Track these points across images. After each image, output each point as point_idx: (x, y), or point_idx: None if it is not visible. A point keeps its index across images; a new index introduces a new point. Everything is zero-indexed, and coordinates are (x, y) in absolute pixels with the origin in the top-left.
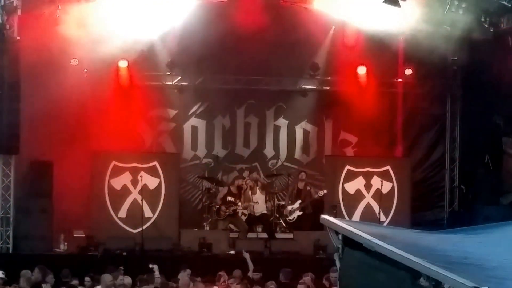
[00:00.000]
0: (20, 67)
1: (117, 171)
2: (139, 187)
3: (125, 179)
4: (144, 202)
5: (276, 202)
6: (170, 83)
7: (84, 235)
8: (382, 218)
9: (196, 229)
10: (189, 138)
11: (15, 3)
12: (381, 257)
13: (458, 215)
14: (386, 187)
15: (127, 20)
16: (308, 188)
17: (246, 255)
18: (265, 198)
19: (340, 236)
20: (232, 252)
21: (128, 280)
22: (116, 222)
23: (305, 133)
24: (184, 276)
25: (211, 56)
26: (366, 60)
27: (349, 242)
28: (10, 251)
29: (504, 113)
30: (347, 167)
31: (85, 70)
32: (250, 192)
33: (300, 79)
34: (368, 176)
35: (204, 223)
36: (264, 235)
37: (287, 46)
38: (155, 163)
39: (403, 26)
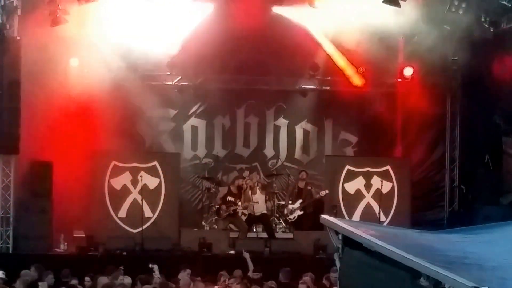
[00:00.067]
0: (20, 66)
1: (117, 171)
2: (139, 187)
3: (125, 179)
4: (144, 202)
5: (276, 202)
6: (170, 83)
7: (84, 235)
8: (382, 218)
9: (196, 229)
10: (189, 138)
11: (15, 3)
12: (381, 257)
13: (458, 215)
14: (386, 187)
15: (127, 20)
16: (309, 187)
17: (246, 255)
18: (265, 198)
19: (340, 236)
20: (232, 252)
21: (128, 280)
22: (116, 222)
23: (305, 133)
24: (184, 276)
25: (211, 56)
26: (366, 60)
27: (349, 242)
28: (10, 251)
29: (504, 113)
30: (347, 167)
31: (86, 71)
32: (250, 192)
33: (300, 79)
34: (368, 176)
35: (204, 223)
36: (264, 235)
37: (287, 46)
38: (155, 163)
39: (403, 26)
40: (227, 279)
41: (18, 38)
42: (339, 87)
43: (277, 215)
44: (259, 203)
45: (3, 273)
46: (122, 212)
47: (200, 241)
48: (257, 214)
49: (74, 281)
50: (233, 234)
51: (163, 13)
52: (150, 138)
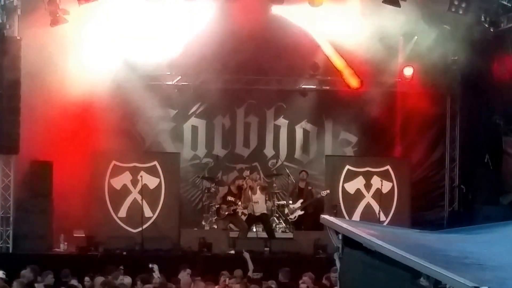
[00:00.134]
0: (20, 66)
1: (117, 171)
2: (139, 186)
3: (125, 178)
4: (144, 202)
5: (276, 201)
6: (170, 83)
7: (84, 235)
8: (382, 218)
9: (196, 229)
10: (189, 138)
11: (15, 3)
12: (381, 257)
13: (458, 214)
14: (386, 186)
15: (127, 20)
16: (310, 187)
17: (246, 255)
18: (265, 197)
19: (340, 236)
20: (232, 252)
21: (128, 280)
22: (116, 222)
23: (305, 133)
24: (184, 275)
25: (211, 56)
26: (366, 60)
27: (349, 241)
28: (10, 251)
29: (504, 113)
30: (347, 166)
31: (86, 70)
32: (250, 192)
33: (300, 79)
34: (368, 176)
35: (204, 223)
36: (264, 235)
37: (287, 46)
38: (155, 163)
39: (403, 26)
40: (227, 279)
41: (18, 38)
42: (339, 87)
43: (277, 215)
44: (259, 203)
45: (3, 273)
46: (122, 212)
47: (200, 241)
48: (257, 214)
49: (74, 281)
50: (233, 234)
51: (163, 13)
52: (150, 138)
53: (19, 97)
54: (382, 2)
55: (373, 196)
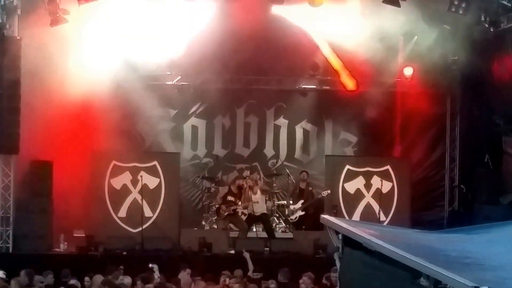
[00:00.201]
0: (20, 66)
1: (117, 171)
2: (139, 186)
3: (125, 178)
4: (144, 201)
5: (276, 201)
6: (170, 83)
7: (84, 235)
8: (382, 217)
9: (196, 229)
10: (189, 138)
11: (15, 3)
12: (381, 257)
13: (458, 214)
14: (386, 186)
15: (127, 20)
16: (310, 188)
17: (246, 255)
18: (265, 197)
19: (340, 236)
20: (232, 251)
21: (128, 280)
22: (116, 221)
23: (305, 132)
24: (184, 275)
25: (211, 56)
26: (366, 60)
27: (349, 241)
28: (10, 251)
29: (504, 113)
30: (347, 166)
31: (86, 70)
32: (250, 192)
33: (300, 79)
34: (368, 176)
35: (204, 223)
36: (264, 235)
37: (287, 45)
38: (155, 162)
39: (403, 26)
40: (227, 279)
41: (18, 38)
42: (339, 87)
43: (277, 215)
44: (259, 203)
45: (3, 273)
46: (122, 212)
47: (200, 241)
48: (257, 214)
49: (74, 281)
50: (233, 234)
51: (163, 13)
52: (150, 138)
53: (19, 97)
54: (382, 2)
55: (373, 196)
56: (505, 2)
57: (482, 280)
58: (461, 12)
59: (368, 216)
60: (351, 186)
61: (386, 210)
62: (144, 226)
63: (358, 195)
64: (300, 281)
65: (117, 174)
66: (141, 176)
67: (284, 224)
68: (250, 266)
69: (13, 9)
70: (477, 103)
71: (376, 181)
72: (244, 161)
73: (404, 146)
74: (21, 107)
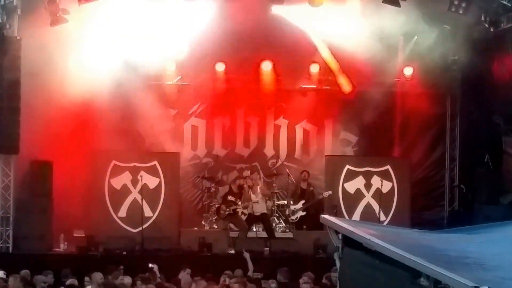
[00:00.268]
0: (20, 66)
1: (117, 171)
2: (139, 186)
3: (125, 178)
4: (144, 201)
5: (276, 201)
6: (170, 83)
7: (84, 235)
8: (382, 217)
9: (196, 229)
10: (189, 138)
11: (15, 3)
12: (381, 257)
13: (458, 214)
14: (386, 186)
15: (127, 20)
16: (311, 188)
17: (246, 255)
18: (265, 198)
19: (340, 236)
20: (232, 251)
21: (128, 279)
22: (116, 221)
23: (305, 132)
24: (184, 275)
25: (211, 56)
26: (366, 60)
27: (349, 241)
28: (10, 251)
29: (504, 112)
30: (347, 166)
31: (86, 70)
32: (250, 192)
33: (300, 79)
34: (368, 176)
35: (204, 223)
36: (264, 235)
37: (287, 46)
38: (155, 162)
39: (403, 25)
40: (227, 279)
41: (18, 38)
42: (339, 87)
43: (277, 215)
44: (259, 203)
45: (3, 273)
46: (122, 212)
47: (200, 241)
48: (257, 213)
49: (74, 281)
50: (233, 234)
51: (163, 13)
52: (150, 138)
53: (19, 97)
54: (382, 2)
55: (373, 196)
56: (505, 2)
57: (482, 280)
58: (461, 12)
59: (368, 216)
60: (351, 186)
61: (386, 210)
62: (144, 226)
63: (358, 195)
64: (300, 280)
65: (117, 174)
66: (141, 176)
67: (284, 224)
68: (250, 266)
69: (13, 9)
70: (477, 103)
71: (376, 181)
72: (244, 161)
73: (404, 146)
74: (21, 107)
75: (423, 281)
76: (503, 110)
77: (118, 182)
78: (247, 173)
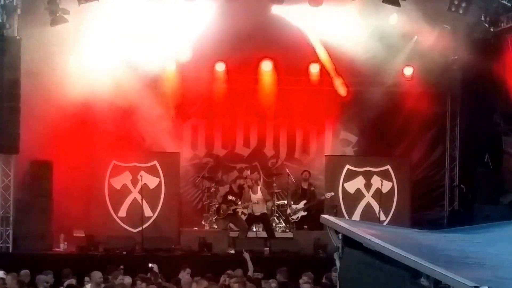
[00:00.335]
0: (20, 66)
1: (117, 171)
2: (139, 186)
3: (125, 178)
4: (144, 201)
5: (276, 201)
6: (170, 83)
7: (84, 235)
8: (382, 217)
9: (196, 229)
10: (189, 138)
11: (15, 3)
12: (381, 257)
13: (458, 214)
14: (386, 186)
15: (127, 20)
16: (313, 188)
17: (246, 255)
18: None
19: (340, 236)
20: (232, 251)
21: (128, 279)
22: (116, 221)
23: (305, 132)
24: (184, 275)
25: (211, 56)
26: (366, 60)
27: (349, 241)
28: (10, 251)
29: (504, 112)
30: (347, 166)
31: (86, 70)
32: (250, 191)
33: (300, 78)
34: (368, 176)
35: (204, 223)
36: (264, 235)
37: (287, 45)
38: (155, 162)
39: (403, 25)
40: (227, 279)
41: (18, 37)
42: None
43: (277, 215)
44: (259, 203)
45: (3, 273)
46: (122, 212)
47: (200, 241)
48: (257, 213)
49: (74, 281)
50: (233, 234)
51: (163, 13)
52: (150, 138)
53: (19, 96)
54: (382, 1)
55: (373, 196)
56: (505, 2)
57: (482, 280)
58: (461, 11)
59: (368, 216)
60: (351, 186)
61: (386, 210)
62: (144, 226)
63: (358, 195)
64: (300, 280)
65: (117, 173)
66: (141, 176)
67: (284, 224)
68: (250, 266)
69: (13, 9)
70: (477, 103)
71: (376, 181)
72: (244, 160)
73: (404, 146)
74: (21, 106)
75: (423, 281)
76: (503, 110)
77: (118, 182)
78: (247, 173)
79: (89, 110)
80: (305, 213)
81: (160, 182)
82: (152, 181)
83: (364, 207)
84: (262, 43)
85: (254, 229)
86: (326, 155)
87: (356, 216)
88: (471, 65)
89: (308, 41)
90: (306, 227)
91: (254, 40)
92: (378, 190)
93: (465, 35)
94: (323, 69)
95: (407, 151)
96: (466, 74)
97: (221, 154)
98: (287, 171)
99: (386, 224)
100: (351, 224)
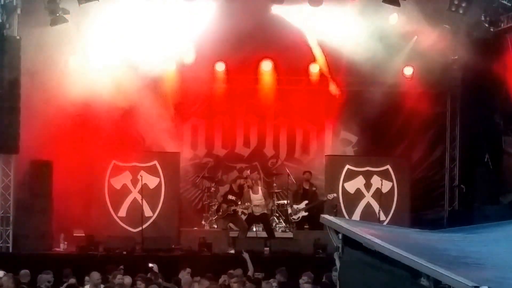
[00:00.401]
0: (20, 66)
1: (117, 170)
2: (139, 186)
3: (125, 178)
4: (144, 201)
5: (276, 201)
6: (170, 83)
7: (84, 235)
8: (382, 217)
9: (196, 229)
10: (189, 138)
11: (15, 3)
12: (381, 257)
13: (458, 214)
14: (386, 186)
15: (127, 20)
16: (314, 188)
17: (246, 256)
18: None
19: (340, 236)
20: (232, 251)
21: (128, 279)
22: (116, 221)
23: (305, 132)
24: (184, 275)
25: (211, 56)
26: (366, 60)
27: (349, 241)
28: (10, 251)
29: (504, 112)
30: (347, 166)
31: (86, 70)
32: (250, 191)
33: (300, 78)
34: (368, 176)
35: (204, 223)
36: (264, 235)
37: (287, 45)
38: (155, 162)
39: (403, 25)
40: (227, 279)
41: (18, 37)
42: (339, 87)
43: (277, 215)
44: (259, 203)
45: (3, 273)
46: (122, 212)
47: (200, 241)
48: (257, 213)
49: (74, 281)
50: (233, 234)
51: (163, 13)
52: (150, 137)
53: (19, 96)
54: (382, 1)
55: (373, 196)
56: (505, 2)
57: (482, 280)
58: (461, 11)
59: (368, 216)
60: (351, 186)
61: (386, 210)
62: (144, 226)
63: (358, 194)
64: (300, 280)
65: (117, 173)
66: (141, 176)
67: (284, 224)
68: (250, 266)
69: (13, 9)
70: (477, 102)
71: (376, 181)
72: (244, 160)
73: (404, 146)
74: (21, 106)
75: (423, 281)
76: (503, 110)
77: (118, 181)
78: (247, 173)
79: (89, 110)
80: (306, 213)
81: (160, 182)
82: (152, 181)
83: (364, 207)
84: (262, 43)
85: (254, 229)
86: (326, 155)
87: (356, 216)
88: (471, 65)
89: (308, 41)
90: (307, 227)
91: (254, 40)
92: (378, 190)
93: (465, 35)
94: (323, 69)
95: (407, 151)
96: (466, 74)
97: (221, 154)
98: (287, 171)
99: (386, 224)
100: (351, 224)
